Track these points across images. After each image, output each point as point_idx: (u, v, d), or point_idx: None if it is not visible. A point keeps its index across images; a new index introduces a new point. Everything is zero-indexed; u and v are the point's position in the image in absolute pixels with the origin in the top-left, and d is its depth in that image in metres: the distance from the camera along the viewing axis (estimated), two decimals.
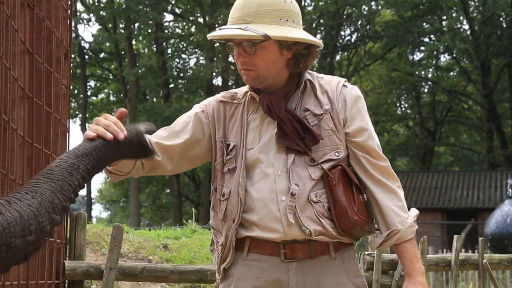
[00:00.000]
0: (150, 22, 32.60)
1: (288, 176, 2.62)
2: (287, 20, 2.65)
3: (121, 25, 34.51)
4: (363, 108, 2.76)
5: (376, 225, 2.73)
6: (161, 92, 34.51)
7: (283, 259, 2.64)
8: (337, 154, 2.67)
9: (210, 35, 2.71)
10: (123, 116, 2.26)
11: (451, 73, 38.22)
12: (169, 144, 2.74)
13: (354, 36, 36.81)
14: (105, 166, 2.14)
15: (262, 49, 2.62)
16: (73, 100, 36.27)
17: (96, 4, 33.70)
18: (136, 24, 34.04)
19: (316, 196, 2.62)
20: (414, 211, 2.75)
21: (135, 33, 35.12)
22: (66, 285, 4.74)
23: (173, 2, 33.94)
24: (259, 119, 2.72)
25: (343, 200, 2.61)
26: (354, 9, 33.83)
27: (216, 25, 31.21)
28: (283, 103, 2.67)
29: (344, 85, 2.76)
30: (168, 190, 37.92)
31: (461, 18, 34.92)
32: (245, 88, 2.79)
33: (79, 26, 35.07)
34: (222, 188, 2.73)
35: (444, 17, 33.75)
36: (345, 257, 2.71)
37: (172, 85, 35.55)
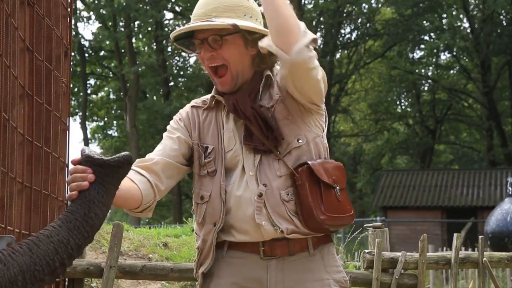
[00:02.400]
0: (150, 20, 32.60)
1: (256, 177, 2.62)
2: (251, 17, 2.67)
3: (121, 23, 34.52)
4: None
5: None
6: (161, 90, 34.52)
7: (262, 257, 2.64)
8: (300, 140, 2.66)
9: (174, 32, 2.70)
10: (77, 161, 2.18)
11: (451, 71, 38.23)
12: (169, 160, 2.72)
13: (354, 34, 36.84)
14: (108, 208, 2.11)
15: (228, 43, 2.62)
16: (73, 98, 36.27)
17: (96, 2, 33.69)
18: (136, 22, 34.05)
19: (288, 195, 2.62)
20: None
21: (135, 31, 35.13)
22: (66, 283, 4.74)
23: (173, 0, 33.95)
24: (232, 120, 2.71)
25: (309, 199, 2.59)
26: (354, 7, 33.84)
27: None
28: (249, 101, 2.65)
29: (277, 64, 2.74)
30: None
31: (461, 16, 34.91)
32: (212, 94, 2.78)
33: (79, 24, 35.16)
34: (200, 191, 2.72)
35: (444, 15, 33.73)
36: (324, 253, 2.72)
37: (172, 83, 35.56)
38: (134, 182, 2.57)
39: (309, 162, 2.62)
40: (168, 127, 2.81)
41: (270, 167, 2.64)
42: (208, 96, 2.82)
